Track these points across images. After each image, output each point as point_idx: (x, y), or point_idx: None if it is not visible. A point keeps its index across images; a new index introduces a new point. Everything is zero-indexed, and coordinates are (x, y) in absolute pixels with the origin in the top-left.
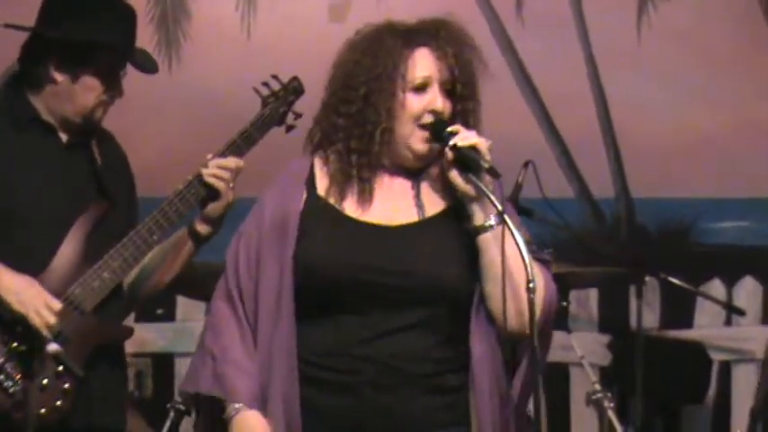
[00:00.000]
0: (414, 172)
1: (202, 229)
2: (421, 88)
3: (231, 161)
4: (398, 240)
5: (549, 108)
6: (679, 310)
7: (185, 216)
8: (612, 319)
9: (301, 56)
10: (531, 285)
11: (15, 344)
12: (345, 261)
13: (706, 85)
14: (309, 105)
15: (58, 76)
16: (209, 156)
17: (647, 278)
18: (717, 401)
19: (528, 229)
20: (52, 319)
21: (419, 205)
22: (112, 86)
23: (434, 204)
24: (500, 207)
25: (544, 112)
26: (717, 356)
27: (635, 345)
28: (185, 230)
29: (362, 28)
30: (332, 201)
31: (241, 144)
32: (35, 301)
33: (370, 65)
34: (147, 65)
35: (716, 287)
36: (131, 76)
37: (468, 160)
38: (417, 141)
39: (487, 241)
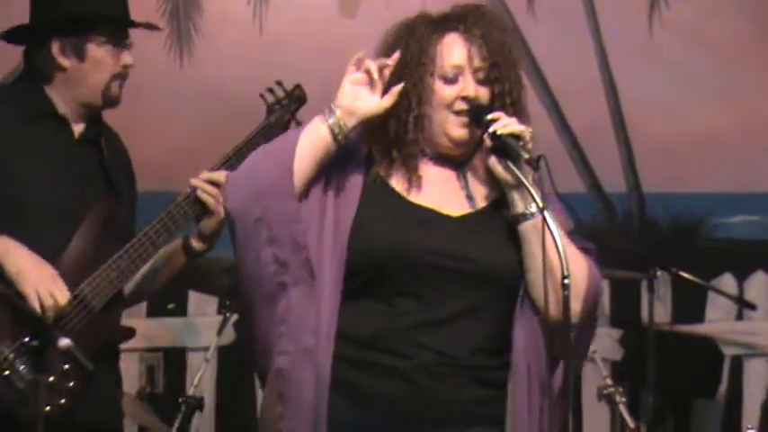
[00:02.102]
0: (459, 161)
1: (197, 245)
2: (453, 77)
3: (222, 176)
4: (455, 227)
5: (560, 102)
6: (690, 304)
7: (191, 219)
8: (624, 314)
9: (313, 50)
10: (565, 282)
11: (27, 339)
12: (407, 242)
13: (718, 80)
14: (322, 98)
15: (65, 61)
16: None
17: (659, 273)
18: (728, 396)
19: (570, 216)
20: (63, 302)
21: (469, 197)
22: (121, 55)
23: (484, 196)
24: (539, 200)
25: (555, 106)
26: (728, 351)
27: (646, 339)
28: (179, 243)
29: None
30: (389, 182)
31: (246, 149)
32: (48, 283)
33: (400, 53)
34: (151, 26)
35: (727, 282)
36: (143, 73)
37: (507, 148)
38: (454, 127)
39: (528, 231)
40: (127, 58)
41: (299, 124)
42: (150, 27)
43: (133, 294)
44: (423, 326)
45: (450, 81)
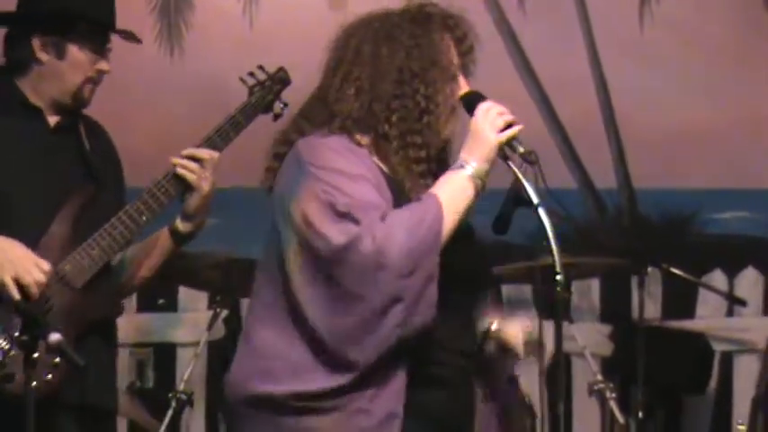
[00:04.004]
0: None
1: (182, 226)
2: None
3: (204, 152)
4: (470, 239)
5: (550, 98)
6: (681, 300)
7: (174, 198)
8: (614, 310)
9: (303, 43)
10: (557, 278)
11: (17, 334)
12: (469, 258)
13: (707, 76)
14: (307, 88)
15: (44, 56)
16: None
17: (649, 268)
18: (718, 392)
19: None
20: (42, 277)
21: None
22: (99, 61)
23: None
24: (534, 196)
25: (546, 101)
26: (718, 347)
27: (636, 335)
28: (166, 228)
29: (373, 14)
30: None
31: (228, 129)
32: (24, 261)
33: (419, 55)
34: (132, 38)
35: (717, 278)
36: (135, 67)
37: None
38: (451, 125)
39: None
40: (104, 64)
41: (286, 105)
42: (132, 38)
43: (125, 280)
44: (458, 334)
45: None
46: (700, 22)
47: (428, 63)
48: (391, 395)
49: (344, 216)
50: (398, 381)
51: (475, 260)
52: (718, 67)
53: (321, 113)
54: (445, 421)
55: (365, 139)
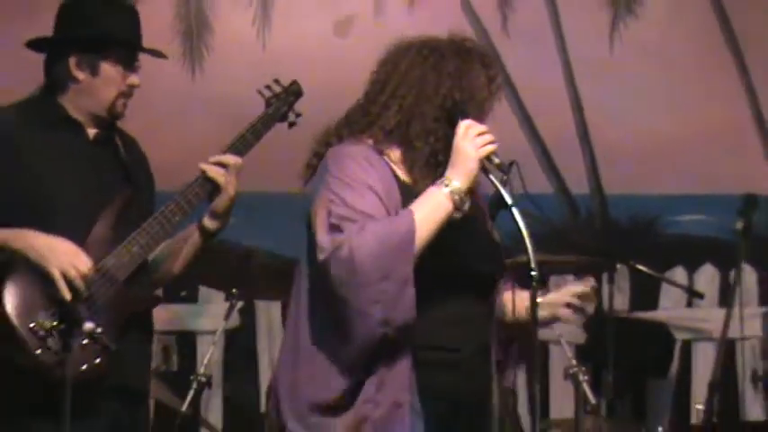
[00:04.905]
0: None
1: (209, 223)
2: None
3: (229, 158)
4: (482, 232)
5: (530, 113)
6: (646, 293)
7: (202, 200)
8: None
9: (310, 64)
10: (533, 274)
11: (55, 323)
12: (459, 252)
13: (672, 93)
14: (317, 106)
15: (80, 74)
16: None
17: (618, 266)
18: (679, 376)
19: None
20: (87, 271)
21: (476, 203)
22: (130, 76)
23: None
24: (509, 200)
25: (526, 117)
26: (679, 335)
27: (607, 325)
28: (195, 225)
29: (423, 41)
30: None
31: (249, 137)
32: (69, 256)
33: (460, 87)
34: (158, 54)
35: (678, 273)
36: (161, 86)
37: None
38: None
39: None
40: (134, 79)
41: (299, 115)
42: (158, 55)
43: (161, 273)
44: (467, 321)
45: None
46: (663, 45)
47: (468, 95)
48: (396, 384)
49: (335, 228)
50: (403, 370)
51: (487, 255)
52: (680, 84)
53: (361, 121)
54: (461, 402)
55: (395, 152)
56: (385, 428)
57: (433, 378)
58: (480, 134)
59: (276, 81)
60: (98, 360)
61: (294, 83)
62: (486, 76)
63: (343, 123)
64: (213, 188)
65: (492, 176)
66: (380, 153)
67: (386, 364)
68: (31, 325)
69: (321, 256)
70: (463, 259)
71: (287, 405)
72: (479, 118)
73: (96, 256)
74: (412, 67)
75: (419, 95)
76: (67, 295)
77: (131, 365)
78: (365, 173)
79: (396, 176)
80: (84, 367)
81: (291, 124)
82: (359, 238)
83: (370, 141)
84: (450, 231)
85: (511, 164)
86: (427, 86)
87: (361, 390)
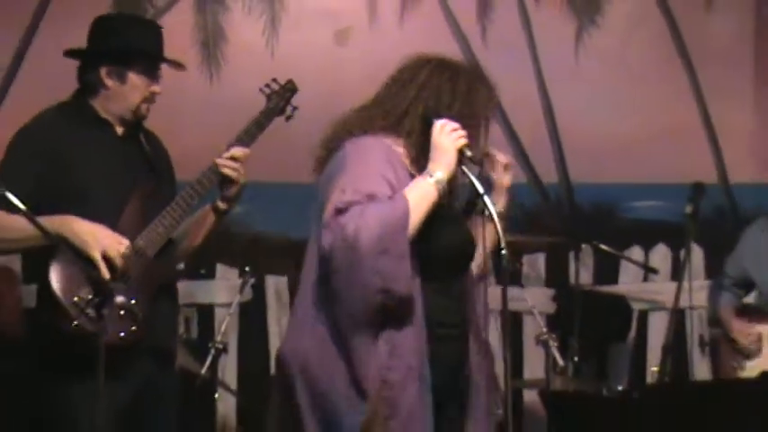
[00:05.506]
0: None
1: (222, 205)
2: None
3: (239, 151)
4: (455, 217)
5: (507, 113)
6: (607, 269)
7: (214, 184)
8: (556, 277)
9: (313, 70)
10: (503, 252)
11: (92, 297)
12: (457, 239)
13: (630, 95)
14: (317, 106)
15: (109, 82)
16: (228, 144)
17: (583, 245)
18: (636, 341)
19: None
20: (125, 251)
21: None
22: (152, 85)
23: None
24: (480, 189)
25: (504, 116)
26: (636, 306)
27: (573, 297)
28: (209, 207)
29: (445, 58)
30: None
31: (253, 129)
32: (109, 240)
33: (470, 102)
34: (178, 65)
35: (636, 252)
36: (181, 91)
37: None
38: None
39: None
40: (156, 87)
41: (296, 108)
42: (177, 66)
43: (184, 248)
44: (459, 301)
45: None
46: (623, 53)
47: (475, 111)
48: (409, 351)
49: (343, 210)
50: (416, 339)
51: (462, 239)
52: (637, 87)
53: (380, 120)
54: (456, 368)
55: (409, 151)
56: (404, 388)
57: (442, 348)
58: (454, 130)
59: (274, 80)
60: (134, 328)
61: (290, 81)
62: (490, 99)
63: (359, 121)
64: (224, 177)
65: (465, 167)
66: (396, 149)
67: (394, 331)
68: (75, 300)
69: (329, 236)
70: (443, 240)
71: (295, 370)
72: (475, 130)
73: (128, 236)
74: (432, 77)
75: (436, 103)
76: (107, 275)
77: (161, 330)
78: (379, 161)
79: (410, 173)
80: (123, 334)
81: (288, 117)
82: (362, 219)
83: (389, 141)
84: (431, 218)
85: (482, 157)
86: (443, 96)
87: (373, 356)
